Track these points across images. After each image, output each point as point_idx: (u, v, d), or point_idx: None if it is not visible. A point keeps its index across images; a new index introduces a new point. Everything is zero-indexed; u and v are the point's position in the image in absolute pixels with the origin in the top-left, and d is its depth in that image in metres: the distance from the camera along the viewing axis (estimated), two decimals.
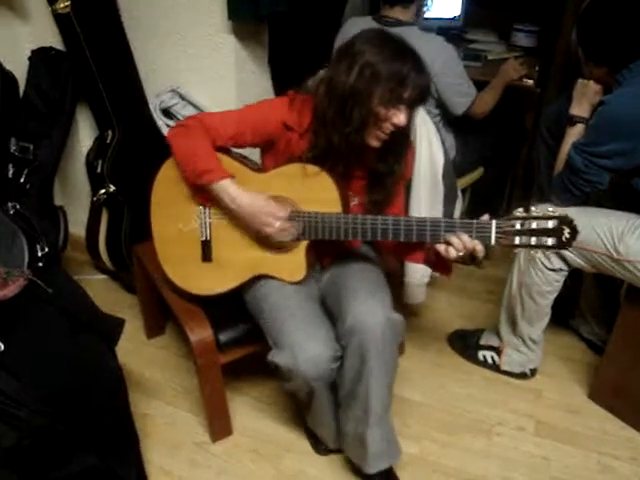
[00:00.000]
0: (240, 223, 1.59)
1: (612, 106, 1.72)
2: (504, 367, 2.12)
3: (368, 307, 1.51)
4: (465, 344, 2.23)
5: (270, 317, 1.56)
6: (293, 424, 1.92)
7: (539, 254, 1.85)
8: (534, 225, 1.36)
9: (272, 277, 1.62)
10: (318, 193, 1.52)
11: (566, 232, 1.35)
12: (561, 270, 1.89)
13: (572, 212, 1.80)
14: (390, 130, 1.45)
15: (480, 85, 2.44)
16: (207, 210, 1.63)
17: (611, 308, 2.05)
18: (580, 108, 1.92)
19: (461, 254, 1.41)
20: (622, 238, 1.72)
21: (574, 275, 1.98)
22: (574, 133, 1.91)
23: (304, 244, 1.57)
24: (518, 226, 1.37)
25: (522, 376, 2.12)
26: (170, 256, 1.73)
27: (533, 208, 1.37)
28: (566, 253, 1.84)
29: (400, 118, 1.42)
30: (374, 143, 1.48)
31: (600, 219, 1.79)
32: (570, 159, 1.81)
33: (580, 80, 1.93)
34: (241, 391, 2.05)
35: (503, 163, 2.76)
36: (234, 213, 1.55)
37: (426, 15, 2.88)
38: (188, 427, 1.93)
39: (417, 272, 2.04)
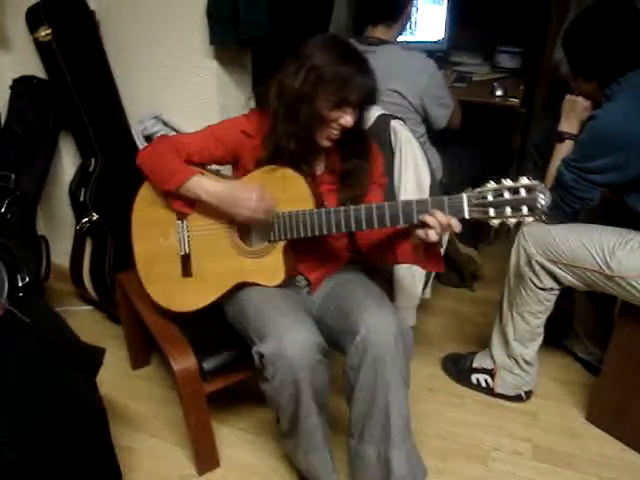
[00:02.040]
0: (219, 232, 1.63)
1: (602, 121, 1.70)
2: (498, 390, 2.07)
3: (380, 318, 1.48)
4: (458, 368, 2.18)
5: (254, 316, 1.54)
6: (281, 456, 1.86)
7: (527, 271, 1.84)
8: (507, 195, 1.32)
9: (253, 284, 1.61)
10: (289, 193, 1.55)
11: (540, 198, 1.30)
12: (552, 289, 1.86)
13: (562, 229, 1.80)
14: (338, 131, 1.51)
15: (465, 106, 2.44)
16: (184, 224, 1.66)
17: (605, 327, 2.02)
18: (569, 124, 1.91)
19: (438, 233, 1.38)
20: (614, 254, 1.70)
21: (566, 294, 1.95)
22: (563, 150, 1.90)
23: (281, 245, 1.58)
24: (490, 197, 1.33)
25: (517, 399, 2.07)
26: (152, 276, 1.73)
27: (503, 179, 1.33)
28: (557, 271, 1.81)
29: (347, 119, 1.48)
30: (325, 143, 1.55)
31: (591, 235, 1.77)
32: (559, 175, 1.79)
33: (568, 96, 1.92)
34: (227, 422, 1.99)
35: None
36: (214, 214, 1.59)
37: (410, 38, 2.92)
38: (174, 460, 1.86)
39: (407, 295, 2.00)
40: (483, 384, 2.10)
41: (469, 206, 1.36)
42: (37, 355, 1.46)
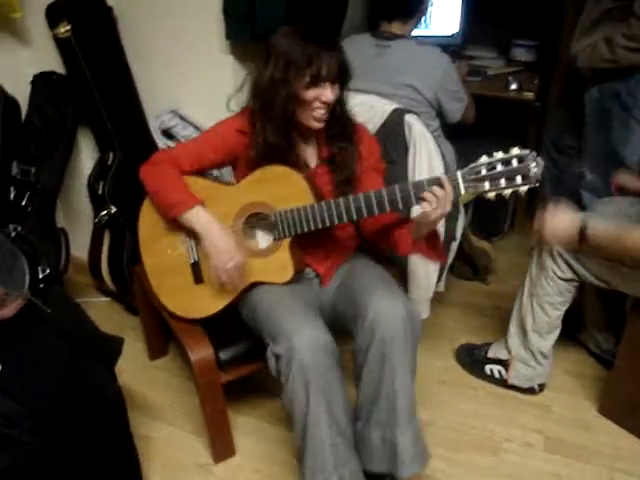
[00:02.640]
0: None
1: None
2: (512, 381, 2.08)
3: (388, 302, 1.51)
4: (472, 358, 2.20)
5: (265, 316, 1.56)
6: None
7: (549, 262, 1.84)
8: (499, 167, 1.36)
9: (263, 283, 1.63)
10: (289, 189, 1.57)
11: (532, 167, 1.34)
12: (572, 280, 1.87)
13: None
14: (323, 108, 1.54)
15: (480, 100, 2.45)
16: (191, 232, 1.67)
17: (615, 322, 2.02)
18: None
19: (437, 208, 1.41)
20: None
21: (580, 289, 1.95)
22: None
23: (286, 242, 1.60)
24: (484, 171, 1.37)
25: (530, 391, 2.08)
26: (165, 287, 1.77)
27: (495, 152, 1.37)
28: (576, 265, 1.83)
29: (326, 94, 1.51)
30: (315, 124, 1.57)
31: None
32: None
33: None
34: (243, 412, 2.02)
35: None
36: (200, 237, 1.61)
37: (425, 33, 2.91)
38: (190, 448, 1.90)
39: (421, 288, 2.02)
40: (497, 375, 2.12)
41: (464, 182, 1.40)
42: (58, 345, 1.50)
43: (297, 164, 1.60)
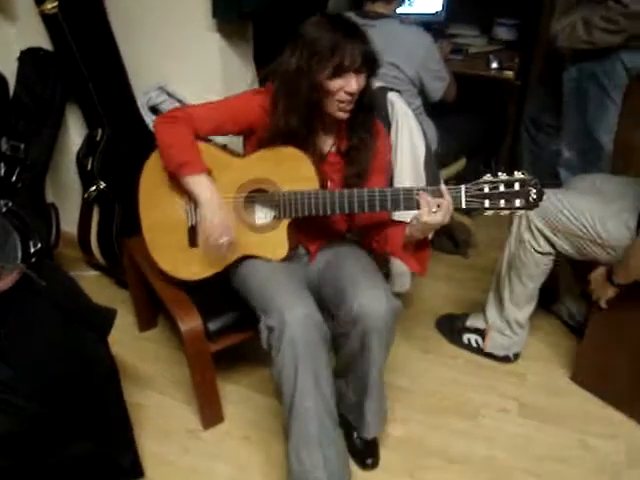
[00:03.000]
0: (226, 206, 1.66)
1: None
2: (488, 349, 2.17)
3: (372, 296, 1.56)
4: (451, 327, 2.29)
5: (259, 290, 1.61)
6: (282, 411, 1.97)
7: (527, 235, 1.92)
8: (502, 188, 1.43)
9: (257, 257, 1.68)
10: (296, 172, 1.60)
11: (532, 193, 1.42)
12: (549, 254, 1.94)
13: (560, 198, 1.87)
14: (348, 99, 1.53)
15: (461, 78, 2.50)
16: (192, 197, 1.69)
17: (587, 294, 2.11)
18: None
19: (437, 213, 1.46)
20: (604, 223, 1.78)
21: (555, 262, 2.03)
22: None
23: (285, 223, 1.64)
24: (486, 189, 1.43)
25: (505, 359, 2.17)
26: (158, 244, 1.79)
27: (500, 173, 1.43)
28: (554, 239, 1.90)
29: (351, 85, 1.50)
30: (340, 114, 1.57)
31: (584, 204, 1.84)
32: None
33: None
34: (231, 380, 2.09)
35: (486, 154, 2.82)
36: (198, 204, 1.62)
37: (408, 10, 2.95)
38: (180, 415, 1.98)
39: None
40: (474, 344, 2.21)
41: (466, 197, 1.45)
42: (53, 316, 1.55)
43: (309, 150, 1.61)
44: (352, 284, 1.60)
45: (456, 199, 1.46)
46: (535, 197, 1.42)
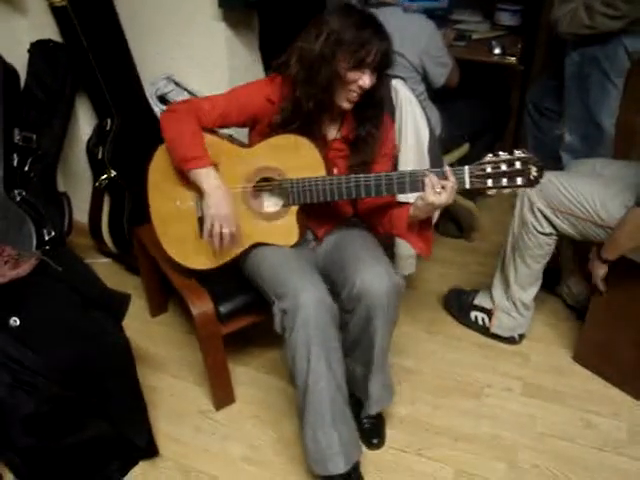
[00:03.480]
0: (234, 195, 1.69)
1: None
2: (493, 330, 2.21)
3: (375, 273, 1.60)
4: (459, 303, 2.33)
5: (270, 275, 1.65)
6: (292, 392, 2.01)
7: (530, 217, 1.96)
8: (503, 167, 1.46)
9: (267, 244, 1.72)
10: (303, 159, 1.63)
11: (533, 170, 1.46)
12: (551, 234, 1.98)
13: (562, 179, 1.90)
14: (357, 92, 1.57)
15: (464, 64, 2.53)
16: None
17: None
18: None
19: (441, 194, 1.49)
20: (604, 204, 1.82)
21: (558, 244, 2.07)
22: None
23: (294, 209, 1.68)
24: (489, 169, 1.47)
25: (510, 340, 2.22)
26: (169, 235, 1.81)
27: (501, 153, 1.47)
28: (555, 220, 1.94)
29: (365, 80, 1.54)
30: (345, 105, 1.61)
31: (586, 185, 1.88)
32: None
33: None
34: (242, 362, 2.15)
35: (489, 139, 2.84)
36: (204, 196, 1.65)
37: None
38: (192, 397, 2.03)
39: (407, 244, 2.13)
40: (480, 322, 2.25)
41: (470, 177, 1.49)
42: (71, 300, 1.61)
43: (315, 137, 1.64)
44: (355, 262, 1.64)
45: (460, 180, 1.50)
46: (536, 174, 1.46)
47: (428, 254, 1.72)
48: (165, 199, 1.78)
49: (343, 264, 1.68)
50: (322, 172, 1.63)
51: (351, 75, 1.54)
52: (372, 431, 1.86)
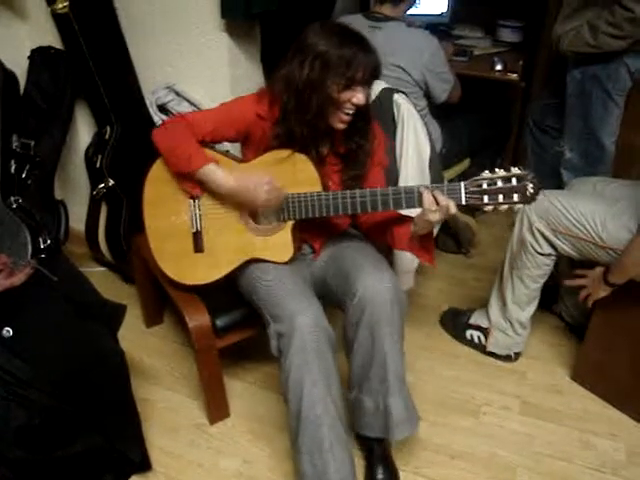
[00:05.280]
0: (229, 210, 1.70)
1: None
2: (490, 348, 2.20)
3: (376, 279, 1.59)
4: (455, 322, 2.32)
5: (266, 295, 1.63)
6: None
7: (529, 237, 1.95)
8: (500, 184, 1.46)
9: (262, 260, 1.70)
10: (298, 175, 1.63)
11: (529, 187, 1.45)
12: (550, 255, 1.97)
13: (562, 200, 1.89)
14: (352, 111, 1.56)
15: (466, 80, 2.53)
16: (196, 202, 1.73)
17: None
18: None
19: (437, 212, 1.48)
20: (605, 225, 1.81)
21: (556, 263, 2.06)
22: None
23: (289, 225, 1.67)
24: (485, 186, 1.46)
25: (507, 358, 2.20)
26: (165, 252, 1.81)
27: (497, 169, 1.46)
28: (555, 240, 1.92)
29: (359, 97, 1.53)
30: (340, 126, 1.60)
31: (586, 206, 1.86)
32: None
33: None
34: (237, 376, 2.13)
35: (490, 155, 2.84)
36: (224, 195, 1.65)
37: (414, 12, 2.96)
38: (187, 410, 2.01)
39: (406, 258, 2.12)
40: (476, 340, 2.24)
41: (466, 193, 1.48)
42: (66, 310, 1.58)
43: (310, 153, 1.64)
44: (355, 269, 1.63)
45: (455, 196, 1.48)
46: (532, 191, 1.45)
47: (432, 262, 1.70)
48: (160, 216, 1.78)
49: (343, 274, 1.67)
50: (318, 187, 1.62)
51: (344, 96, 1.53)
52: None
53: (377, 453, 1.77)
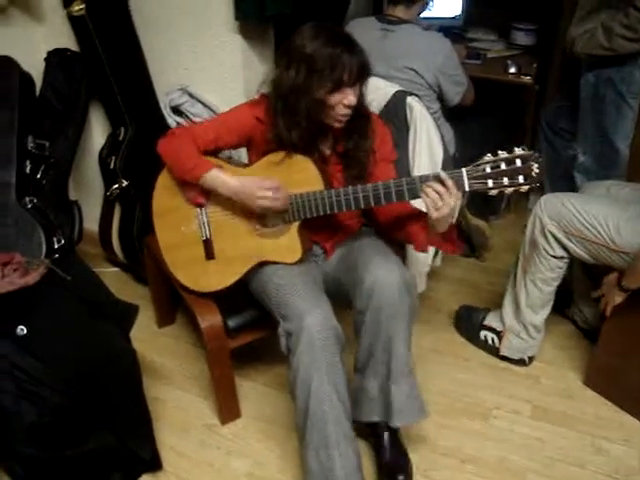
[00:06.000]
0: (236, 215, 1.72)
1: None
2: (503, 352, 2.19)
3: (385, 269, 1.59)
4: (470, 322, 2.31)
5: (277, 295, 1.64)
6: None
7: (541, 240, 1.94)
8: (503, 166, 1.41)
9: (273, 262, 1.71)
10: (300, 175, 1.64)
11: (534, 167, 1.40)
12: (563, 257, 1.96)
13: (575, 202, 1.88)
14: (345, 111, 1.56)
15: (479, 82, 2.52)
16: (204, 210, 1.75)
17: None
18: None
19: (441, 204, 1.45)
20: (618, 229, 1.80)
21: (569, 266, 2.05)
22: None
23: (295, 225, 1.68)
24: (488, 169, 1.42)
25: (520, 362, 2.19)
26: (178, 262, 1.84)
27: (499, 151, 1.42)
28: (567, 243, 1.91)
29: (349, 99, 1.53)
30: (337, 125, 1.60)
31: (600, 209, 1.85)
32: None
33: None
34: (249, 377, 2.13)
35: None
36: (231, 200, 1.67)
37: (427, 14, 2.96)
38: (198, 410, 2.02)
39: (418, 262, 2.12)
40: (490, 342, 2.23)
41: (469, 179, 1.45)
42: (79, 310, 1.60)
43: (312, 154, 1.65)
44: (365, 262, 1.64)
45: (458, 183, 1.45)
46: (538, 172, 1.40)
47: (457, 250, 1.69)
48: (170, 228, 1.82)
49: (354, 267, 1.67)
50: (320, 186, 1.63)
51: (333, 98, 1.53)
52: (396, 467, 1.77)
53: (385, 438, 1.79)
